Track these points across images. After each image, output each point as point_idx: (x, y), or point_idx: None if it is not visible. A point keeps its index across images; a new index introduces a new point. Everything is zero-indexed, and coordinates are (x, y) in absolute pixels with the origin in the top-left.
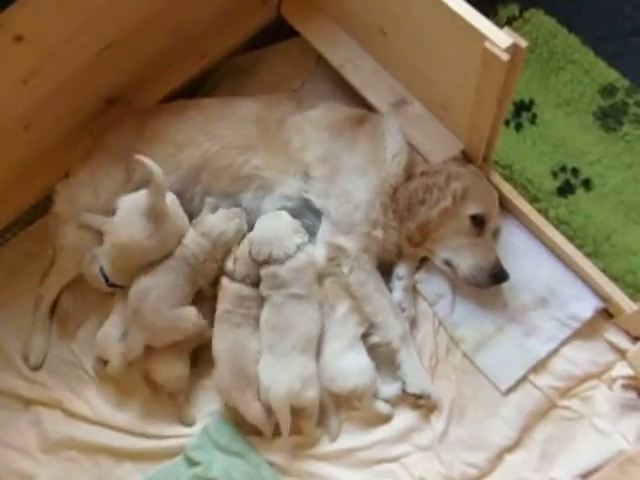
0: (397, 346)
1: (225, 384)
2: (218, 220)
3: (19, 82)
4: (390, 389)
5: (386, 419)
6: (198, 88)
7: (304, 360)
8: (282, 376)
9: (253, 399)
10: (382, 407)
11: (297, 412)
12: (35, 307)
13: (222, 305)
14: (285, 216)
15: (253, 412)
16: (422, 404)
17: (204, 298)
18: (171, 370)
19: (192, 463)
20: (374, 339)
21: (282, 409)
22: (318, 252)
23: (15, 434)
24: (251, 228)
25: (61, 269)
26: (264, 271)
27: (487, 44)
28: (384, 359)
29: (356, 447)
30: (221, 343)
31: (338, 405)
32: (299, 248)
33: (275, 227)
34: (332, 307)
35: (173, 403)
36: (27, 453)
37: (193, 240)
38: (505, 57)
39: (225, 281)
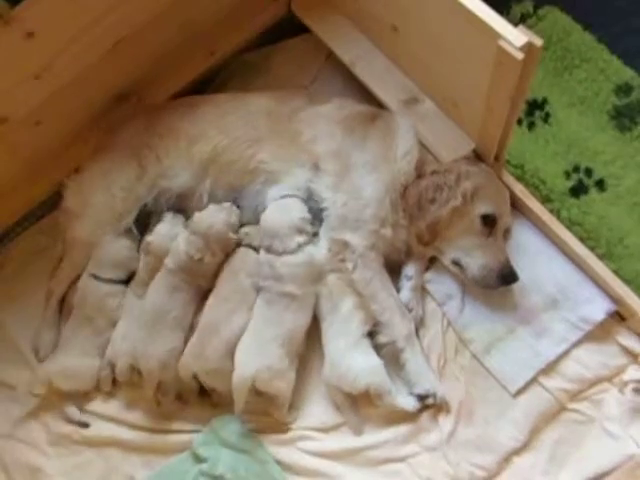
0: (402, 346)
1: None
2: (205, 214)
3: (30, 78)
4: (408, 404)
5: (411, 414)
6: (207, 85)
7: (281, 353)
8: (252, 362)
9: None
10: (406, 402)
11: (269, 399)
12: (45, 301)
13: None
14: (296, 209)
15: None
16: (429, 404)
17: None
18: None
19: (199, 459)
20: (381, 339)
21: (239, 390)
22: (319, 250)
23: (24, 427)
24: (256, 221)
25: (71, 264)
26: (263, 256)
27: (501, 42)
28: (390, 359)
29: (363, 446)
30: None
31: (353, 401)
32: (299, 247)
33: (282, 221)
34: (336, 304)
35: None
36: (35, 446)
37: (185, 240)
38: (520, 56)
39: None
